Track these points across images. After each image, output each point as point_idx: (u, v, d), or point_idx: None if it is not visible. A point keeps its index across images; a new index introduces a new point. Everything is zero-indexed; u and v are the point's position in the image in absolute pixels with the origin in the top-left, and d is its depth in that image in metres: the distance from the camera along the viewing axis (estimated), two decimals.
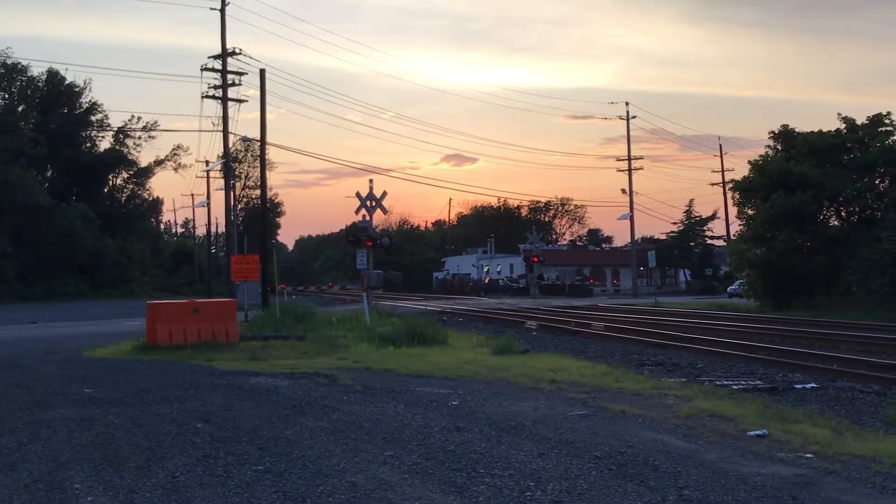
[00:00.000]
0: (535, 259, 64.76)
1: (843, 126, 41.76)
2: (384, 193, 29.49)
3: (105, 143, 79.44)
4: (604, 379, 13.32)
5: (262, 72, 37.09)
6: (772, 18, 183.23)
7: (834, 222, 42.31)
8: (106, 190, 79.99)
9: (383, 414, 10.08)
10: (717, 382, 13.59)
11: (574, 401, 11.13)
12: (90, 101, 77.14)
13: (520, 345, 18.70)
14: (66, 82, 74.90)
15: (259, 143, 40.10)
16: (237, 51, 44.34)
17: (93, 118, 77.86)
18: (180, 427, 9.33)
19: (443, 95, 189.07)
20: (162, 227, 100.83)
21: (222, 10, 44.52)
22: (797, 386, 13.30)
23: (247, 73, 45.32)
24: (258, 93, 37.46)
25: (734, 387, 13.03)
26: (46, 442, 8.62)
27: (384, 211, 30.37)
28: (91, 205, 70.33)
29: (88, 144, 78.19)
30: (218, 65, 44.77)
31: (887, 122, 40.59)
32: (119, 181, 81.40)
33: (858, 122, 41.39)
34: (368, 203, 29.08)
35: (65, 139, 72.08)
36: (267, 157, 40.30)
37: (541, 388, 12.33)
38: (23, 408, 10.86)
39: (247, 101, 48.18)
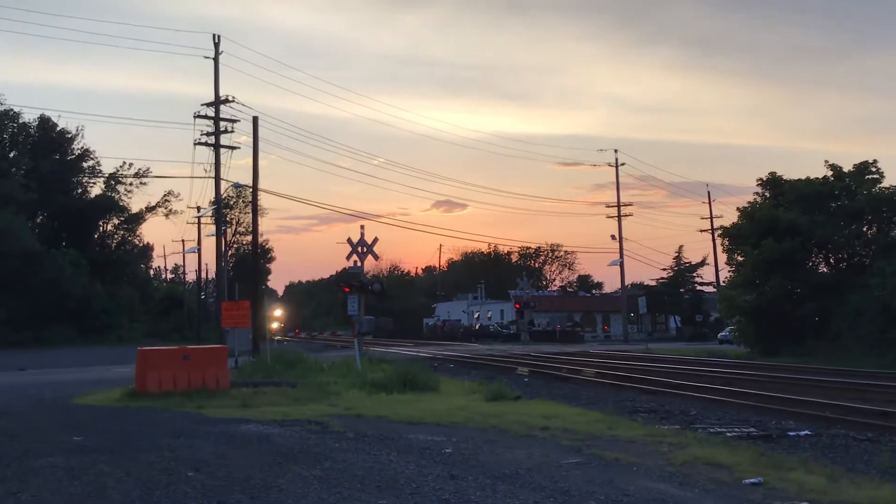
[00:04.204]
0: (526, 305, 64.79)
1: (831, 173, 42.23)
2: (375, 239, 29.54)
3: (96, 189, 79.66)
4: (597, 426, 13.26)
5: (255, 119, 37.33)
6: (758, 68, 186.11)
7: (823, 269, 42.56)
8: (96, 236, 79.88)
9: (376, 462, 10.00)
10: (711, 430, 13.55)
11: (568, 448, 11.07)
12: (82, 147, 77.50)
13: (512, 391, 18.61)
14: (58, 129, 75.24)
15: (251, 190, 40.22)
16: (230, 98, 44.72)
17: (84, 164, 78.11)
18: (171, 476, 9.22)
19: (432, 142, 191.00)
20: (152, 272, 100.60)
21: (216, 59, 44.97)
22: (791, 433, 13.27)
23: (239, 121, 45.69)
24: (250, 139, 37.69)
25: (728, 434, 12.99)
26: (36, 491, 8.51)
27: (375, 257, 30.40)
28: (81, 250, 70.12)
29: (79, 190, 78.29)
30: (211, 112, 45.07)
31: (874, 170, 41.09)
32: (110, 227, 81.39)
33: (845, 169, 41.87)
34: (360, 249, 29.10)
35: (56, 185, 72.15)
36: (258, 203, 40.34)
37: (534, 436, 12.26)
38: (12, 456, 10.72)
39: (239, 147, 48.56)
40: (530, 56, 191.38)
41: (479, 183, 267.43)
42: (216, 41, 45.23)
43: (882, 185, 40.76)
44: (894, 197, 39.82)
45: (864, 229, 41.29)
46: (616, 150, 74.48)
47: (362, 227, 30.09)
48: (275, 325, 47.52)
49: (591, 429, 12.90)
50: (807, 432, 13.32)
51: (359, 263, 29.34)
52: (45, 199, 69.84)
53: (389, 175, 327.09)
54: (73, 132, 76.34)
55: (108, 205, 78.02)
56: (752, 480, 8.77)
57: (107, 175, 78.56)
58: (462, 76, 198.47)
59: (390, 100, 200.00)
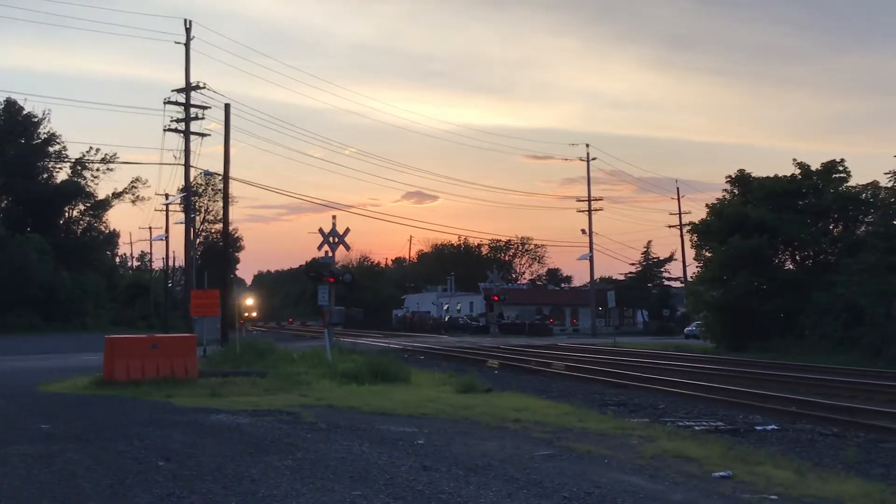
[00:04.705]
0: (496, 298, 64.89)
1: (798, 172, 42.69)
2: (347, 230, 29.37)
3: (62, 174, 78.60)
4: (567, 419, 13.34)
5: (227, 107, 36.86)
6: (729, 66, 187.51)
7: (789, 266, 43.06)
8: (62, 221, 78.86)
9: (349, 452, 10.00)
10: (680, 423, 13.69)
11: (539, 440, 11.14)
12: (48, 131, 76.42)
13: (483, 383, 18.67)
14: (25, 112, 74.14)
15: (221, 178, 39.85)
16: (201, 84, 44.17)
17: (51, 149, 77.01)
18: (142, 464, 9.16)
19: (404, 133, 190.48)
20: (118, 260, 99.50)
21: (187, 45, 44.39)
22: (758, 427, 13.45)
23: (210, 108, 45.04)
24: (220, 126, 37.30)
25: (696, 428, 13.14)
26: (6, 478, 8.41)
27: (347, 247, 30.22)
28: (46, 236, 69.20)
29: (45, 175, 77.24)
30: (181, 98, 44.54)
31: (841, 168, 41.60)
32: (75, 213, 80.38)
33: (813, 168, 42.35)
34: (331, 239, 28.94)
35: (21, 169, 71.13)
36: (229, 191, 39.94)
37: (506, 428, 12.32)
38: None
39: (210, 134, 47.63)
40: (503, 49, 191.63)
41: (450, 175, 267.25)
42: (188, 26, 44.65)
43: (849, 183, 41.32)
44: (861, 196, 40.41)
45: (831, 227, 41.85)
46: (587, 145, 74.83)
47: (334, 217, 30.00)
48: (248, 314, 47.05)
49: (561, 421, 12.99)
50: (774, 427, 13.51)
51: (330, 253, 29.17)
52: (10, 183, 68.84)
53: (361, 165, 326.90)
54: (40, 116, 75.34)
55: (75, 190, 77.02)
56: (720, 474, 8.88)
57: (73, 160, 77.62)
58: (435, 68, 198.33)
59: (363, 90, 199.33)
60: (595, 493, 7.92)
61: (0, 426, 12.24)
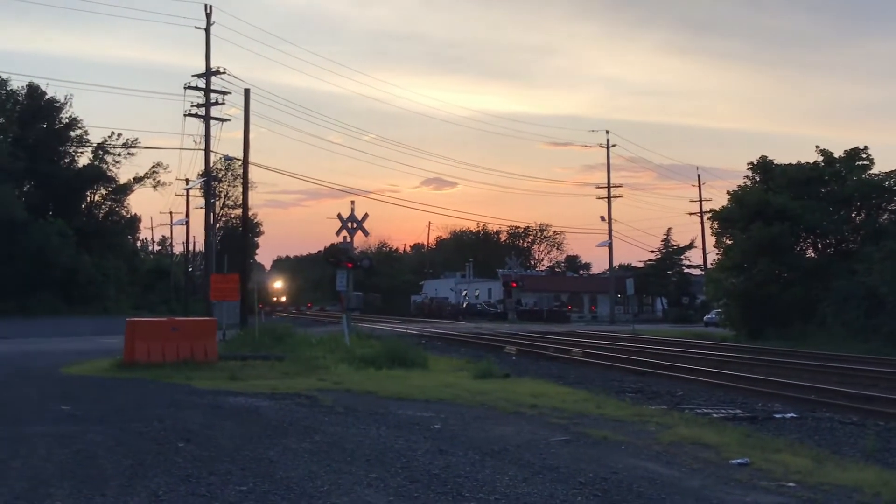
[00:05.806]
0: (514, 284, 64.89)
1: (821, 159, 42.28)
2: (366, 215, 29.44)
3: (84, 159, 78.97)
4: (585, 405, 13.33)
5: (247, 92, 37.02)
6: (750, 51, 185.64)
7: (811, 254, 42.72)
8: (83, 206, 79.31)
9: (366, 436, 10.05)
10: (698, 410, 13.65)
11: (556, 426, 11.14)
12: (70, 116, 76.69)
13: (500, 369, 18.69)
14: (47, 97, 74.44)
15: (240, 163, 40.00)
16: (221, 70, 44.30)
17: (72, 133, 77.35)
18: (161, 446, 9.25)
19: (424, 119, 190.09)
20: (139, 244, 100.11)
21: (207, 30, 44.49)
22: (777, 415, 13.40)
23: (230, 93, 45.21)
24: (240, 111, 37.45)
25: (714, 415, 13.10)
26: (26, 459, 8.51)
27: (365, 233, 30.29)
28: (68, 220, 69.66)
29: (67, 160, 77.62)
30: (201, 83, 44.68)
31: (864, 156, 41.17)
32: (97, 197, 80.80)
33: (836, 155, 41.95)
34: (350, 225, 29.02)
35: (44, 154, 71.53)
36: (248, 176, 40.06)
37: (522, 413, 12.33)
38: (1, 424, 10.71)
39: (230, 119, 47.94)
40: (523, 35, 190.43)
41: (469, 161, 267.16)
42: (208, 11, 44.76)
43: (872, 171, 40.91)
44: (884, 183, 39.98)
45: (853, 215, 41.45)
46: (607, 132, 74.35)
47: (353, 202, 30.08)
48: (276, 299, 46.54)
49: (578, 408, 12.97)
50: (792, 415, 13.44)
51: (348, 239, 29.27)
52: (33, 167, 69.26)
53: (380, 151, 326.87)
54: (62, 101, 75.63)
55: (96, 175, 77.43)
56: (738, 461, 8.85)
57: (95, 145, 77.98)
58: (454, 54, 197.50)
59: (382, 75, 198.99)
60: (611, 478, 7.92)
61: (21, 407, 12.39)
